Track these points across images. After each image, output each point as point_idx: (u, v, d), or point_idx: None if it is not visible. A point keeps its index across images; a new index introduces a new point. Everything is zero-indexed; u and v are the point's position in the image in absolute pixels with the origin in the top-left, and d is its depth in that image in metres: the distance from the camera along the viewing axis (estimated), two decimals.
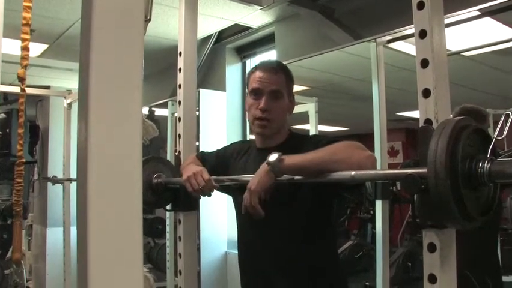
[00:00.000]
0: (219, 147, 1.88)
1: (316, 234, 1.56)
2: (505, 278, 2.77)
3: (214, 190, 1.56)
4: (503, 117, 0.92)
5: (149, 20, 1.61)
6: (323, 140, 1.47)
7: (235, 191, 1.70)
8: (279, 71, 1.62)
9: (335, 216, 1.80)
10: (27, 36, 1.80)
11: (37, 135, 4.80)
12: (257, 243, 1.63)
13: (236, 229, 1.75)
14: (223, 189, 1.80)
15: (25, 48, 1.81)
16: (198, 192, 1.54)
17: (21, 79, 1.85)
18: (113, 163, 0.51)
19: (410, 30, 2.32)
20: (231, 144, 1.92)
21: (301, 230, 1.55)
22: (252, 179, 1.37)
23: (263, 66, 1.64)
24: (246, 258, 1.71)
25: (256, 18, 3.44)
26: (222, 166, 1.74)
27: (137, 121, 0.52)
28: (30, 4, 1.76)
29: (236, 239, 1.76)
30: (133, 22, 0.54)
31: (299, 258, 1.54)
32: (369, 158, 1.27)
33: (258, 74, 1.61)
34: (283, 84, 1.61)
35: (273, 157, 1.31)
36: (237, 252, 1.77)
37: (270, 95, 1.57)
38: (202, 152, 1.85)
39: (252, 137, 3.93)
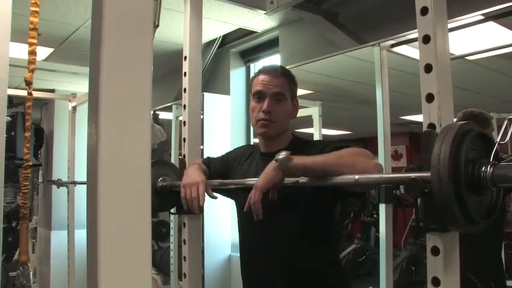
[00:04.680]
0: (224, 153, 1.89)
1: (319, 237, 1.57)
2: (509, 283, 2.76)
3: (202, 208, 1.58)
4: (506, 121, 0.93)
5: (158, 26, 1.62)
6: (328, 145, 1.48)
7: (238, 194, 1.71)
8: (281, 75, 1.64)
9: (338, 219, 1.80)
10: (35, 41, 1.81)
11: (42, 139, 4.82)
12: (259, 246, 1.63)
13: (238, 231, 1.76)
14: (226, 192, 1.81)
15: (32, 53, 1.82)
16: (188, 201, 1.55)
17: (29, 83, 1.87)
18: (123, 166, 0.52)
19: (413, 34, 2.32)
20: (235, 149, 1.93)
21: (303, 233, 1.55)
22: (259, 177, 1.37)
23: (265, 70, 1.66)
24: (247, 261, 1.71)
25: (261, 22, 3.45)
26: (226, 171, 1.75)
27: (147, 125, 0.53)
28: (37, 9, 1.78)
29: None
30: (142, 28, 0.56)
31: (301, 260, 1.55)
32: (376, 166, 1.27)
33: (260, 77, 1.63)
34: (286, 87, 1.63)
35: (282, 155, 1.31)
36: None
37: (273, 98, 1.59)
38: (208, 157, 1.87)
39: (256, 141, 3.93)
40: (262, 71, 1.66)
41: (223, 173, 1.74)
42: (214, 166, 1.78)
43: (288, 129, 1.67)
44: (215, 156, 1.87)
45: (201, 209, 1.57)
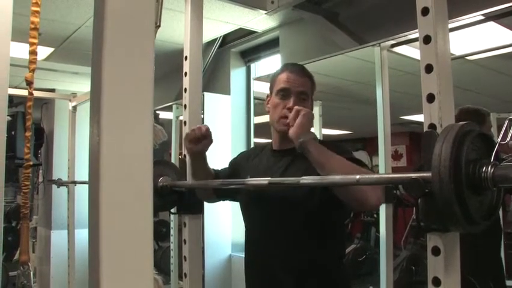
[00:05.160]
0: (230, 160, 1.91)
1: (324, 235, 1.58)
2: (509, 283, 2.76)
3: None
4: (506, 122, 0.93)
5: (159, 26, 1.63)
6: (346, 151, 1.52)
7: (242, 195, 1.72)
8: (306, 74, 1.67)
9: (342, 217, 1.81)
10: (35, 41, 1.81)
11: (42, 138, 4.82)
12: (265, 246, 1.64)
13: (244, 230, 1.76)
14: (231, 195, 1.82)
15: (33, 52, 1.82)
16: (192, 134, 1.59)
17: (29, 83, 1.87)
18: (125, 166, 0.52)
19: (414, 34, 2.33)
20: (241, 152, 1.96)
21: (312, 230, 1.56)
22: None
23: (291, 68, 1.67)
24: (253, 261, 1.72)
25: (261, 22, 3.45)
26: (236, 174, 1.76)
27: (149, 125, 0.53)
28: (38, 9, 1.78)
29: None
30: (144, 28, 0.56)
31: (306, 258, 1.56)
32: (379, 197, 1.35)
33: (286, 74, 1.64)
34: (309, 86, 1.66)
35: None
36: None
37: (298, 96, 1.61)
38: (217, 169, 1.87)
39: (257, 140, 3.92)
40: (286, 69, 1.67)
41: (233, 177, 1.75)
42: (223, 174, 1.79)
43: None
44: (220, 168, 1.88)
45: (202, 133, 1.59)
